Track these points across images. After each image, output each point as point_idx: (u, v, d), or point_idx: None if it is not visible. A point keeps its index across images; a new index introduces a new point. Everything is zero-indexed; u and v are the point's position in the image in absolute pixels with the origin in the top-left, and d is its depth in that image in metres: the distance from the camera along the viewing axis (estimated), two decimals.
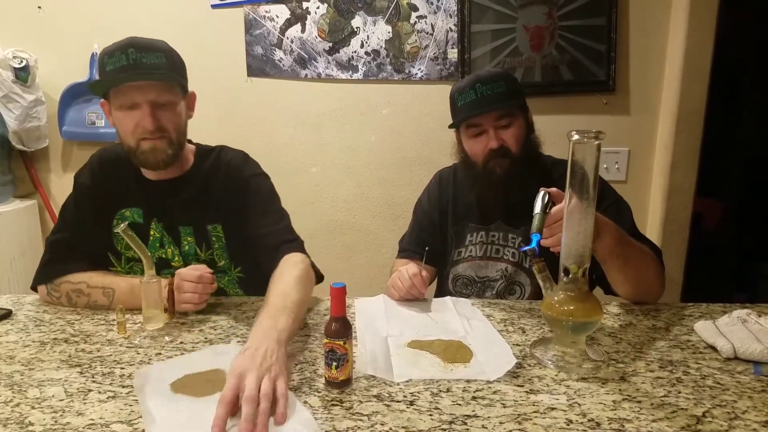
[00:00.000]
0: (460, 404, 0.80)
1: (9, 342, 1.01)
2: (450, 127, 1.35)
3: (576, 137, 0.88)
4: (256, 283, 1.06)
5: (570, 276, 0.93)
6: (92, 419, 0.76)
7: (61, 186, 2.31)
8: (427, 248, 1.35)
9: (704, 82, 1.96)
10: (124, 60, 1.08)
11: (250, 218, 1.22)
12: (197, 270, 1.09)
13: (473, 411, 0.78)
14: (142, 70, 1.09)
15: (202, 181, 1.25)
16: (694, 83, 1.95)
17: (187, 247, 1.25)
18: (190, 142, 1.30)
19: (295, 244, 1.19)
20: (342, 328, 0.83)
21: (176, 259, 1.24)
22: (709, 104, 1.98)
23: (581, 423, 0.75)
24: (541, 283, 0.99)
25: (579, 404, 0.79)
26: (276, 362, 0.78)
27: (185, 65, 1.20)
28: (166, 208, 1.23)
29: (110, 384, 0.86)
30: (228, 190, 1.24)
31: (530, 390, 0.84)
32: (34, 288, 1.22)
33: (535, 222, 1.01)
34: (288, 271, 1.06)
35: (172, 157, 1.17)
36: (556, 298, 0.94)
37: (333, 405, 0.80)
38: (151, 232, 1.23)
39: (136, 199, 1.23)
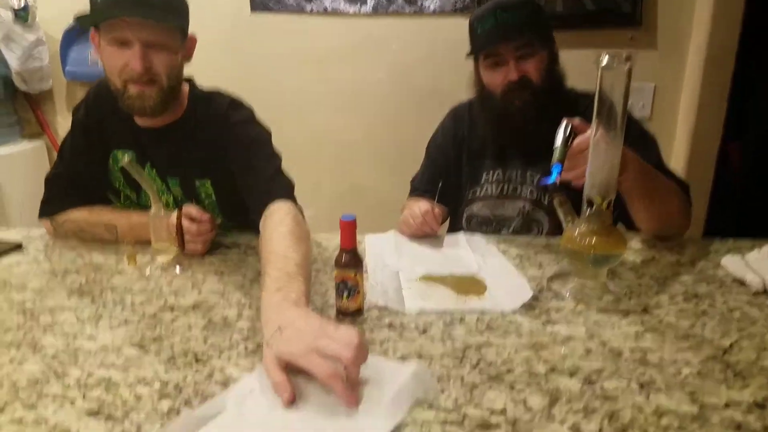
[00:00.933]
0: (473, 334, 0.78)
1: (20, 272, 1.01)
2: (467, 56, 1.28)
3: (606, 60, 0.82)
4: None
5: (594, 208, 0.89)
6: (104, 343, 0.75)
7: (67, 127, 2.24)
8: (441, 183, 1.30)
9: (737, 19, 1.84)
10: None
11: (237, 171, 1.13)
12: (195, 219, 1.05)
13: (487, 340, 0.76)
14: (137, 5, 0.98)
15: (191, 131, 1.16)
16: (726, 20, 1.83)
17: (179, 199, 1.20)
18: (187, 80, 1.21)
19: (281, 191, 1.06)
20: (352, 259, 0.81)
21: (170, 207, 1.20)
22: (741, 43, 1.86)
23: (601, 353, 0.73)
24: (561, 217, 0.96)
25: (599, 335, 0.77)
26: (321, 319, 0.67)
27: (188, 5, 1.09)
28: (157, 156, 1.17)
29: (122, 311, 0.85)
30: (215, 141, 1.15)
31: (547, 321, 0.82)
32: (41, 218, 1.20)
33: (557, 153, 0.96)
34: (277, 229, 0.93)
35: (161, 105, 1.07)
36: (577, 230, 0.91)
37: None
38: None
39: (128, 142, 1.17)
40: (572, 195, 0.95)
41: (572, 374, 0.68)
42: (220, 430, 0.57)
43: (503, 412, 0.61)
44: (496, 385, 0.66)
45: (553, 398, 0.63)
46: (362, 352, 0.62)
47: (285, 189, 1.08)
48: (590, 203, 0.90)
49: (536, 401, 0.63)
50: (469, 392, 0.64)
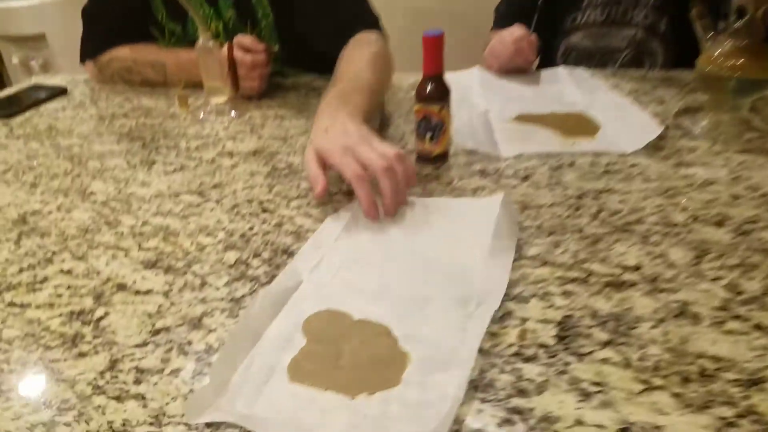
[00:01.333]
0: (589, 179, 0.64)
1: (65, 117, 0.93)
2: None
3: None
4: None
5: (744, 19, 0.69)
6: (159, 189, 0.67)
7: None
8: (539, 3, 1.07)
9: None
10: None
11: None
12: (248, 51, 0.91)
13: (607, 185, 0.62)
14: None
15: None
16: None
17: (231, 24, 1.03)
18: None
19: (369, 20, 0.95)
20: (438, 89, 0.66)
21: (220, 37, 1.04)
22: None
23: (752, 198, 0.58)
24: (699, 33, 0.75)
25: (746, 178, 0.62)
26: (373, 133, 0.60)
27: None
28: None
29: (176, 156, 0.76)
30: None
31: (679, 162, 0.66)
32: (83, 61, 1.10)
33: None
34: (359, 50, 0.84)
35: None
36: (720, 49, 0.71)
37: (428, 181, 0.66)
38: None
39: None
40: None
41: (720, 224, 0.54)
42: (303, 302, 0.47)
43: (638, 268, 0.49)
44: (626, 238, 0.53)
45: (700, 252, 0.50)
46: (400, 166, 0.56)
47: (374, 17, 0.96)
48: (740, 12, 0.69)
49: (678, 255, 0.50)
50: (591, 246, 0.52)
